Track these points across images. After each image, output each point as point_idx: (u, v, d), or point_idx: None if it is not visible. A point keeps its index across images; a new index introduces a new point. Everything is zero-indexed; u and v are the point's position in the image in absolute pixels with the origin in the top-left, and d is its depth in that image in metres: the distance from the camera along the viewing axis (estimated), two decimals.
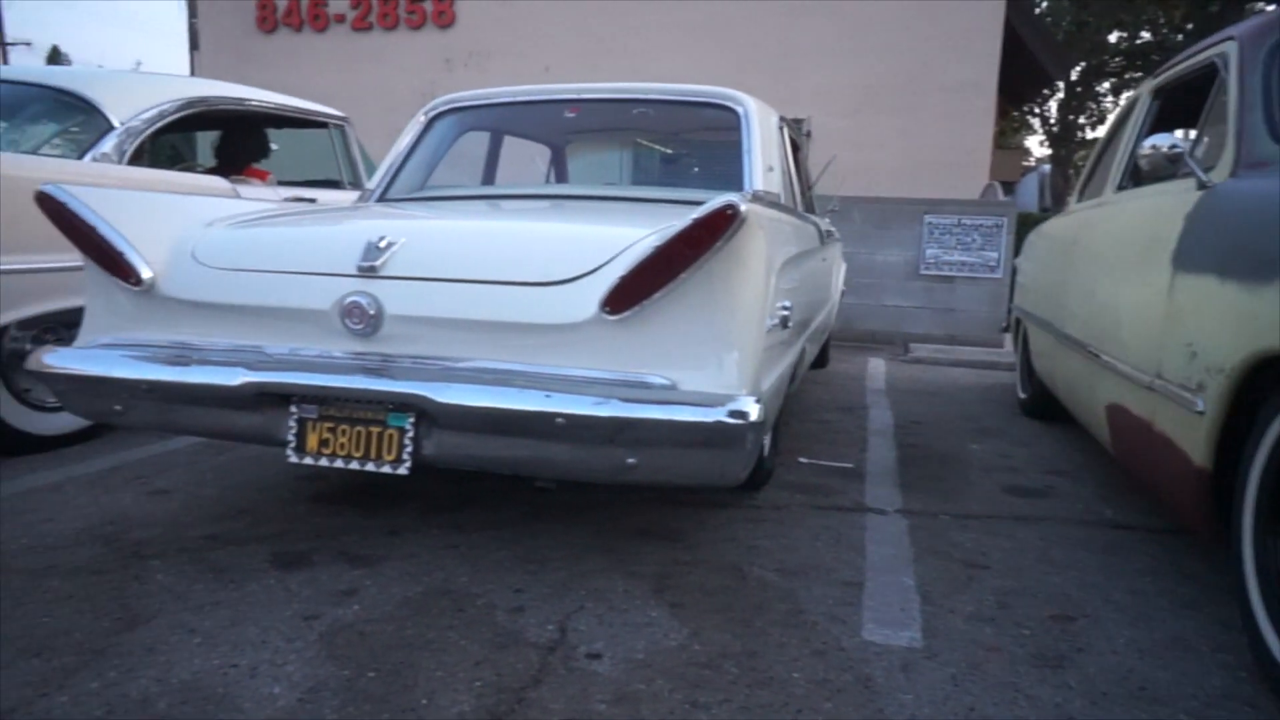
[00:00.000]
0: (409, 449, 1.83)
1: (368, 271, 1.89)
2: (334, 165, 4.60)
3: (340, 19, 10.97)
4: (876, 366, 5.84)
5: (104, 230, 2.04)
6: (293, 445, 1.89)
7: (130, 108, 3.32)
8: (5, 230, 2.70)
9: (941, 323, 6.99)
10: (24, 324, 2.89)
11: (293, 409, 1.89)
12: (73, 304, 2.85)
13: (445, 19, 10.60)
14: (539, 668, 1.64)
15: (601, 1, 10.29)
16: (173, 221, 2.20)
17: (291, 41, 11.30)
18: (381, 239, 1.93)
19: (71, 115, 3.29)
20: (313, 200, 3.88)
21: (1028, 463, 3.32)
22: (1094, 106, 25.23)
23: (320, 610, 1.84)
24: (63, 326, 2.99)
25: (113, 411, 2.06)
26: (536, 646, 1.72)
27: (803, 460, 3.18)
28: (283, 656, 1.65)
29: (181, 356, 2.00)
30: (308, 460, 1.88)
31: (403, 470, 1.83)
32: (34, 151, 3.20)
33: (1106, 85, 24.42)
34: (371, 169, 4.74)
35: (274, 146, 4.91)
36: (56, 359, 2.06)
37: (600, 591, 1.98)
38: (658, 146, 4.07)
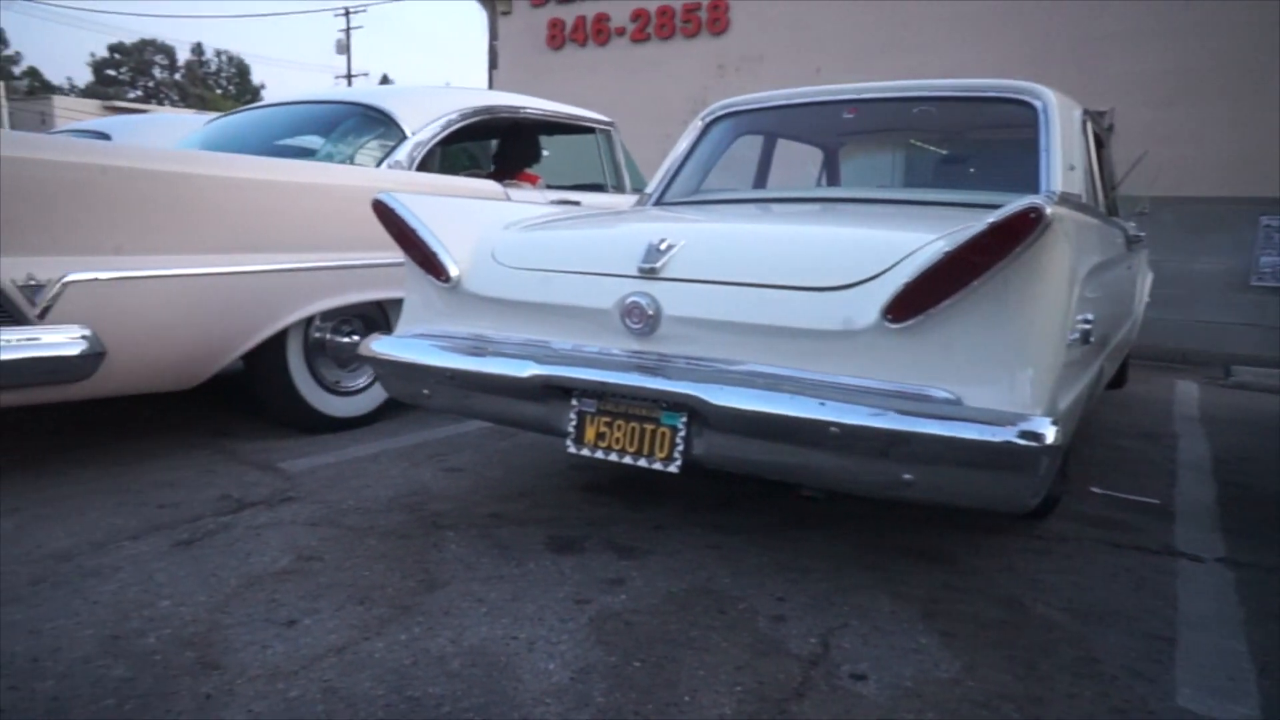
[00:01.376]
0: (680, 448, 1.87)
1: (648, 273, 1.96)
2: (599, 169, 4.75)
3: (620, 32, 11.55)
4: (1187, 390, 5.11)
5: (422, 233, 2.29)
6: (572, 437, 2.01)
7: (420, 119, 3.61)
8: (318, 230, 3.07)
9: (1278, 343, 5.96)
10: (326, 315, 3.23)
11: (574, 402, 2.01)
12: (364, 298, 3.23)
13: (719, 26, 10.80)
14: (801, 681, 1.60)
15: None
16: (476, 224, 2.42)
17: (576, 56, 12.08)
18: (662, 241, 1.99)
19: (374, 128, 3.65)
20: (577, 203, 4.01)
21: None
22: None
23: (590, 595, 1.94)
24: (356, 318, 3.35)
25: (421, 395, 2.30)
26: (798, 658, 1.68)
27: (1096, 490, 2.85)
28: (557, 635, 1.75)
29: (479, 348, 2.19)
30: (585, 452, 1.98)
31: (673, 469, 1.87)
32: (346, 161, 3.59)
33: None
34: (634, 172, 4.87)
35: (546, 152, 5.22)
36: (380, 346, 2.34)
37: (865, 609, 1.90)
38: (937, 147, 3.84)
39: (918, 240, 1.77)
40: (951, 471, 1.63)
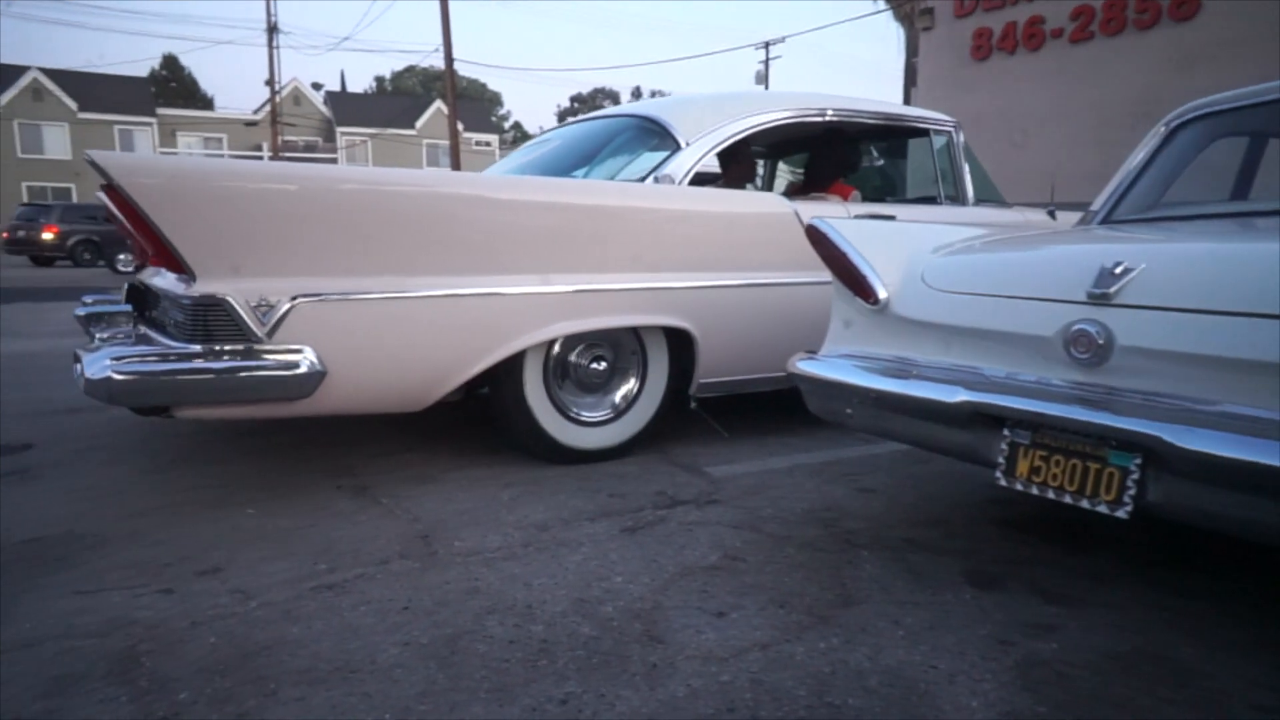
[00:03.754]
0: (1131, 491, 1.69)
1: (1099, 299, 1.80)
2: (932, 177, 4.10)
3: (1057, 34, 10.62)
4: None
5: (853, 256, 2.36)
6: (1002, 468, 1.92)
7: (698, 128, 3.36)
8: (555, 251, 2.91)
9: None
10: (569, 339, 3.09)
11: (1005, 432, 1.92)
12: (610, 324, 3.05)
13: (1184, 11, 9.37)
14: None
15: None
16: (906, 247, 2.42)
17: (1003, 64, 11.37)
18: (1117, 265, 1.82)
19: (648, 140, 3.50)
20: (891, 218, 3.16)
21: None
22: None
23: (1014, 638, 1.83)
24: (606, 344, 3.19)
25: (843, 414, 2.37)
26: None
27: None
28: (979, 672, 1.69)
29: (904, 370, 2.20)
30: (1017, 486, 1.88)
31: (1121, 514, 1.70)
32: (612, 177, 3.39)
33: None
34: (981, 180, 4.18)
35: (879, 160, 4.63)
36: (805, 364, 2.45)
37: None
38: None
39: None
40: None
